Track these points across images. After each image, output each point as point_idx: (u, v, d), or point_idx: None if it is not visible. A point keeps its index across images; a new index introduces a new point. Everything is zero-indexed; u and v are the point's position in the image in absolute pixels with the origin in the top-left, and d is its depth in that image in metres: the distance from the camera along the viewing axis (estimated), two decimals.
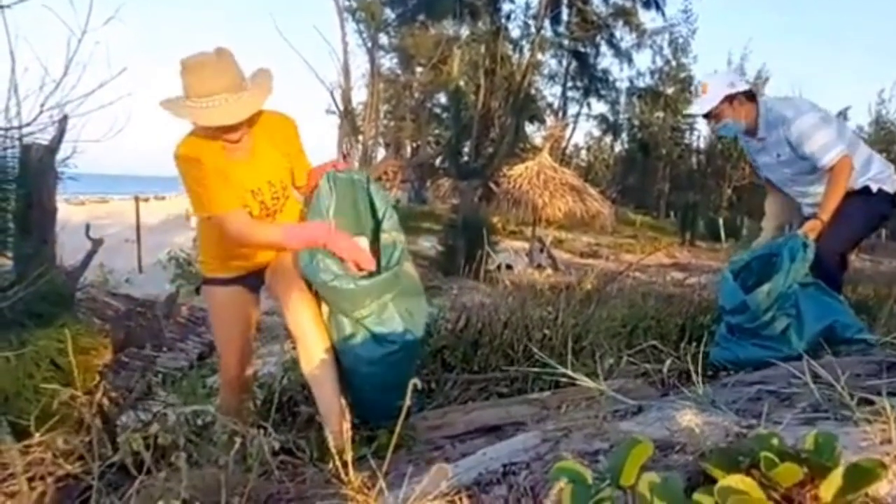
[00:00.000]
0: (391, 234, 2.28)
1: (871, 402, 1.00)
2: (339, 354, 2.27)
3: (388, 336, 2.23)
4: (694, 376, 1.32)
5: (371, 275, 2.25)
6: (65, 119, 3.27)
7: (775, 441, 0.80)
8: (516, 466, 1.07)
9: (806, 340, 2.60)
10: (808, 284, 2.70)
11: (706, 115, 3.04)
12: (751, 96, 3.01)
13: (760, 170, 3.28)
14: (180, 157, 2.15)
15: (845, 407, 1.01)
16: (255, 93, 2.08)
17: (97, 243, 3.96)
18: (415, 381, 1.16)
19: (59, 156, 3.43)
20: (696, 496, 0.77)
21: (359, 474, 1.07)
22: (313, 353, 2.25)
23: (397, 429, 1.19)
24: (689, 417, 1.06)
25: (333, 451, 2.09)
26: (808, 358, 1.20)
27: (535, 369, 2.28)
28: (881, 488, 0.80)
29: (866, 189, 2.92)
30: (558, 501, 0.84)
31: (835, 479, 0.75)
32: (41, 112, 3.14)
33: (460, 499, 1.03)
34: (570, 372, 1.37)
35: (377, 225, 2.35)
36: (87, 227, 3.91)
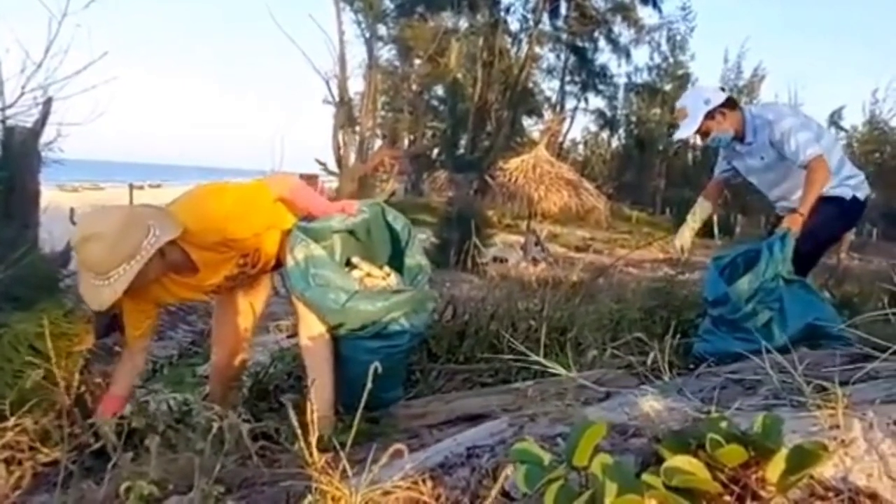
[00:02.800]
0: (415, 257, 2.39)
1: (826, 389, 1.01)
2: (339, 339, 2.30)
3: (392, 333, 2.30)
4: (662, 366, 1.33)
5: (388, 292, 2.30)
6: (49, 102, 3.24)
7: (724, 424, 0.81)
8: (480, 450, 1.08)
9: (788, 335, 2.63)
10: (792, 282, 2.74)
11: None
12: (731, 104, 3.07)
13: (742, 173, 3.33)
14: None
15: (802, 394, 1.03)
16: (113, 286, 1.89)
17: None
18: (375, 365, 1.17)
19: (44, 139, 3.40)
20: (645, 476, 0.79)
21: (323, 456, 1.09)
22: (314, 330, 2.28)
23: (357, 417, 1.20)
24: (651, 404, 1.07)
25: (315, 424, 2.12)
26: (769, 347, 1.21)
27: (509, 357, 2.29)
28: (826, 471, 0.82)
29: (841, 197, 3.00)
30: (513, 482, 0.86)
31: (779, 461, 0.77)
32: (22, 94, 3.11)
33: (424, 480, 1.04)
34: (542, 360, 1.39)
35: (396, 250, 2.45)
36: (72, 212, 3.90)
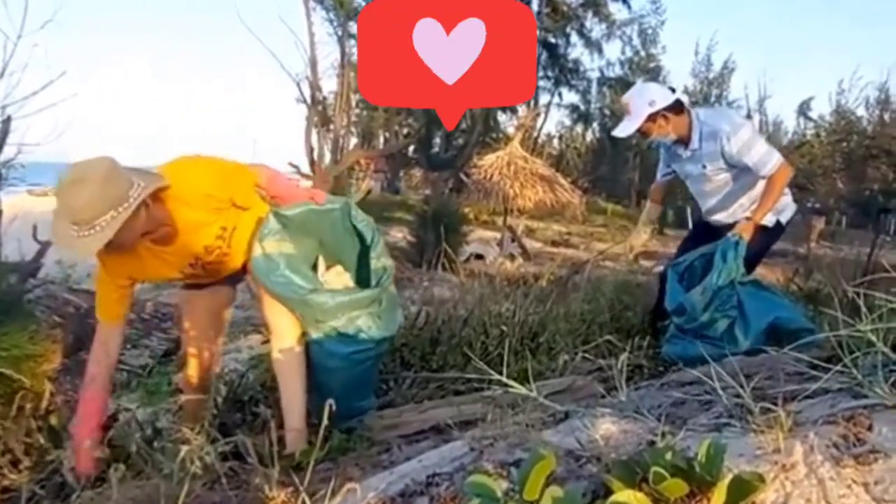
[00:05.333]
0: (380, 259, 2.40)
1: (776, 405, 1.04)
2: (309, 347, 2.33)
3: (359, 336, 2.31)
4: (619, 383, 1.36)
5: (349, 290, 2.35)
6: (8, 121, 3.19)
7: (668, 455, 0.83)
8: (440, 477, 1.10)
9: (751, 338, 2.69)
10: (745, 283, 2.80)
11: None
12: (678, 108, 2.97)
13: (680, 176, 3.29)
14: (103, 262, 2.11)
15: (751, 413, 1.06)
16: (97, 235, 1.88)
17: (46, 246, 3.89)
18: (330, 402, 1.18)
19: (3, 158, 3.34)
20: None
21: (282, 490, 1.09)
22: (285, 343, 2.30)
23: (330, 433, 1.20)
24: (606, 426, 1.10)
25: (295, 448, 2.12)
26: (714, 366, 1.24)
27: (474, 376, 2.31)
28: (768, 497, 0.84)
29: (765, 226, 3.00)
30: None
31: (720, 491, 0.79)
32: None
33: None
34: (505, 379, 1.41)
35: (364, 250, 2.43)
36: (35, 229, 3.83)
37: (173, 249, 2.17)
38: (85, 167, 1.89)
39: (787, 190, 3.11)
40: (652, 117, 2.92)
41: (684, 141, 3.03)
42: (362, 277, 2.47)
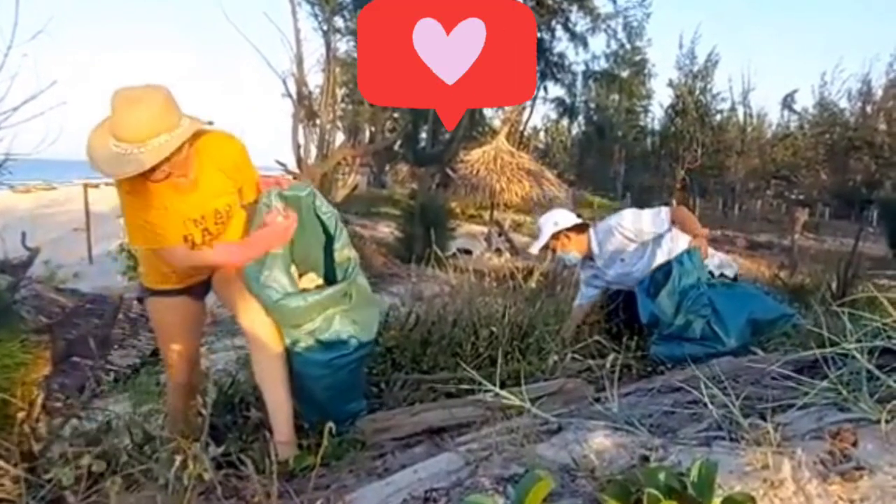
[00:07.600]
0: (343, 251, 2.39)
1: (764, 418, 1.07)
2: (290, 357, 2.33)
3: (337, 342, 2.33)
4: (609, 393, 1.38)
5: (320, 288, 2.35)
6: None
7: (662, 475, 0.86)
8: (437, 493, 1.12)
9: (734, 336, 2.76)
10: (714, 284, 2.90)
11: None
12: (580, 229, 3.36)
13: (611, 286, 3.54)
14: (125, 191, 2.09)
15: (740, 426, 1.08)
16: (153, 151, 1.91)
17: (34, 252, 3.86)
18: (331, 426, 1.19)
19: None
20: None
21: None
22: (265, 355, 2.31)
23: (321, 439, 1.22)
24: (599, 440, 1.12)
25: (286, 459, 2.13)
26: (702, 378, 1.27)
27: (467, 388, 2.34)
28: None
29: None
30: None
31: None
32: None
33: None
34: (499, 391, 1.43)
35: (328, 240, 2.42)
36: (24, 236, 3.81)
37: (189, 200, 2.17)
38: (143, 90, 1.93)
39: (719, 254, 3.41)
40: (556, 235, 3.34)
41: (588, 256, 3.41)
42: (329, 274, 2.48)
